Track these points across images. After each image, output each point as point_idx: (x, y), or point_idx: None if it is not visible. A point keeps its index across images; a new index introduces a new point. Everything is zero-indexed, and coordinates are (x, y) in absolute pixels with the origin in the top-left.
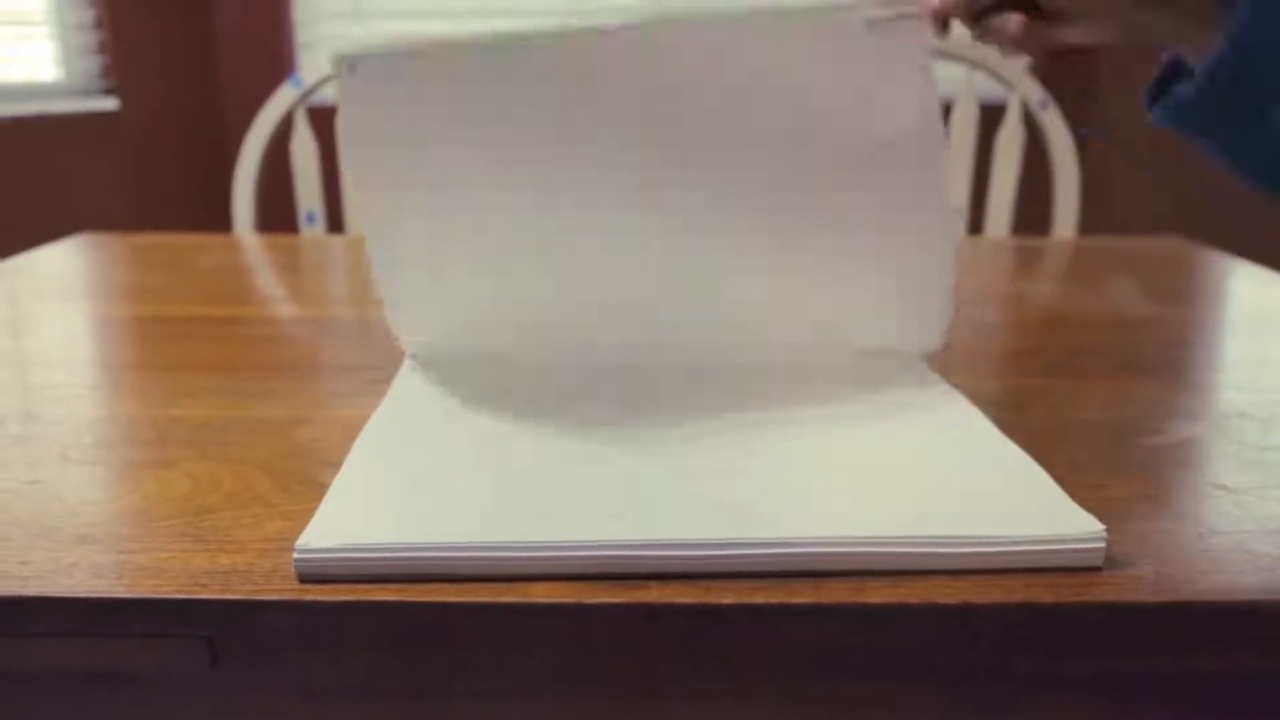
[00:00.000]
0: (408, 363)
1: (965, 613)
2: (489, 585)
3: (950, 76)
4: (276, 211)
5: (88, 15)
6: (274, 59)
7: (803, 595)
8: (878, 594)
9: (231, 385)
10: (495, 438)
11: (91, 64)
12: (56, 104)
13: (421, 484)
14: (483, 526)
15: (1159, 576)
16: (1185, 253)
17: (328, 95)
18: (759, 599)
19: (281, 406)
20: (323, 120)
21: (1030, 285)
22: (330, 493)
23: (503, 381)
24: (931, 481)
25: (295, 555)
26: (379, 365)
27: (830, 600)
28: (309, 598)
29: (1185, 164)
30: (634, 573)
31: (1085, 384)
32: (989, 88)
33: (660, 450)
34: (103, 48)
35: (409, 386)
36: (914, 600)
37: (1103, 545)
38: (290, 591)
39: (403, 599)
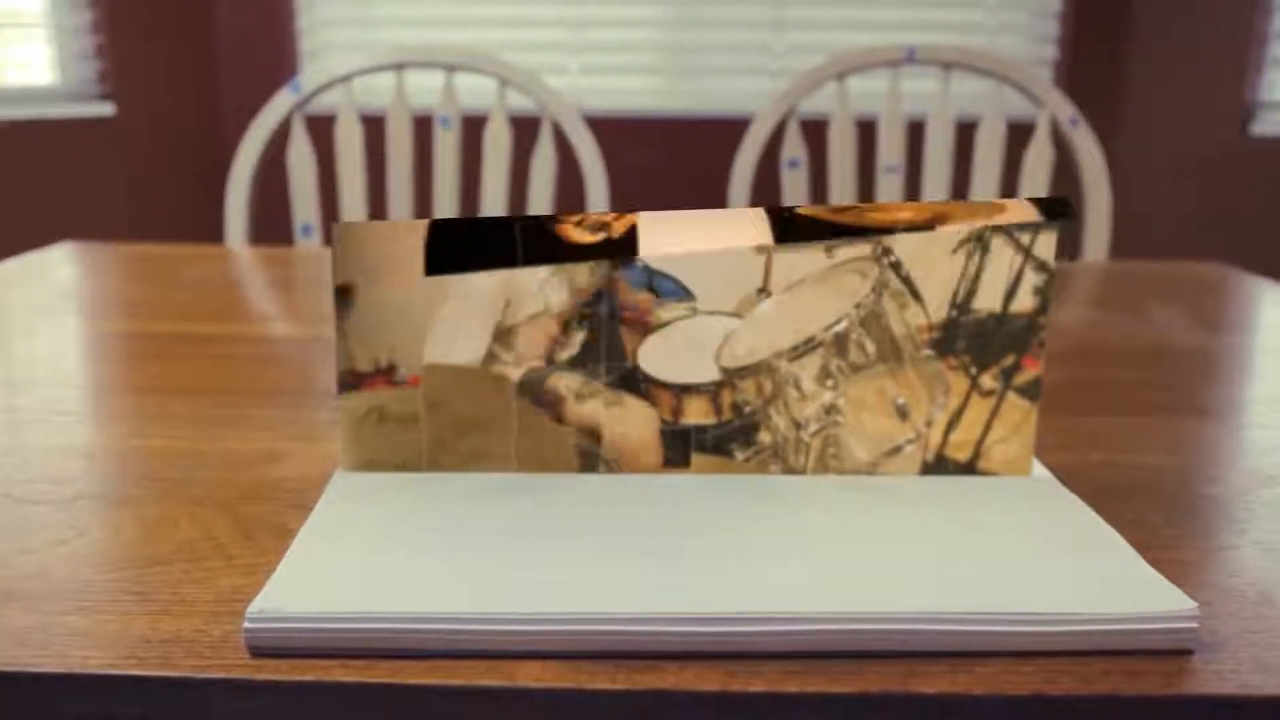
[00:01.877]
0: None
1: (1035, 705)
2: (469, 663)
3: (976, 92)
4: (273, 223)
5: (84, 19)
6: (274, 66)
7: (844, 683)
8: (932, 681)
9: (205, 412)
10: (481, 491)
11: (88, 68)
12: (52, 108)
13: (394, 544)
14: (463, 595)
15: (1259, 665)
16: (1226, 278)
17: (327, 102)
18: (793, 686)
19: (257, 437)
20: (321, 129)
21: (1064, 312)
22: (290, 550)
23: None
24: (992, 548)
25: (245, 625)
26: None
27: (877, 689)
28: (260, 677)
29: (1218, 185)
30: (643, 651)
31: (1139, 425)
32: (1017, 104)
33: (675, 509)
34: (99, 52)
35: None
36: (976, 689)
37: (1195, 625)
38: (239, 668)
39: (367, 680)
